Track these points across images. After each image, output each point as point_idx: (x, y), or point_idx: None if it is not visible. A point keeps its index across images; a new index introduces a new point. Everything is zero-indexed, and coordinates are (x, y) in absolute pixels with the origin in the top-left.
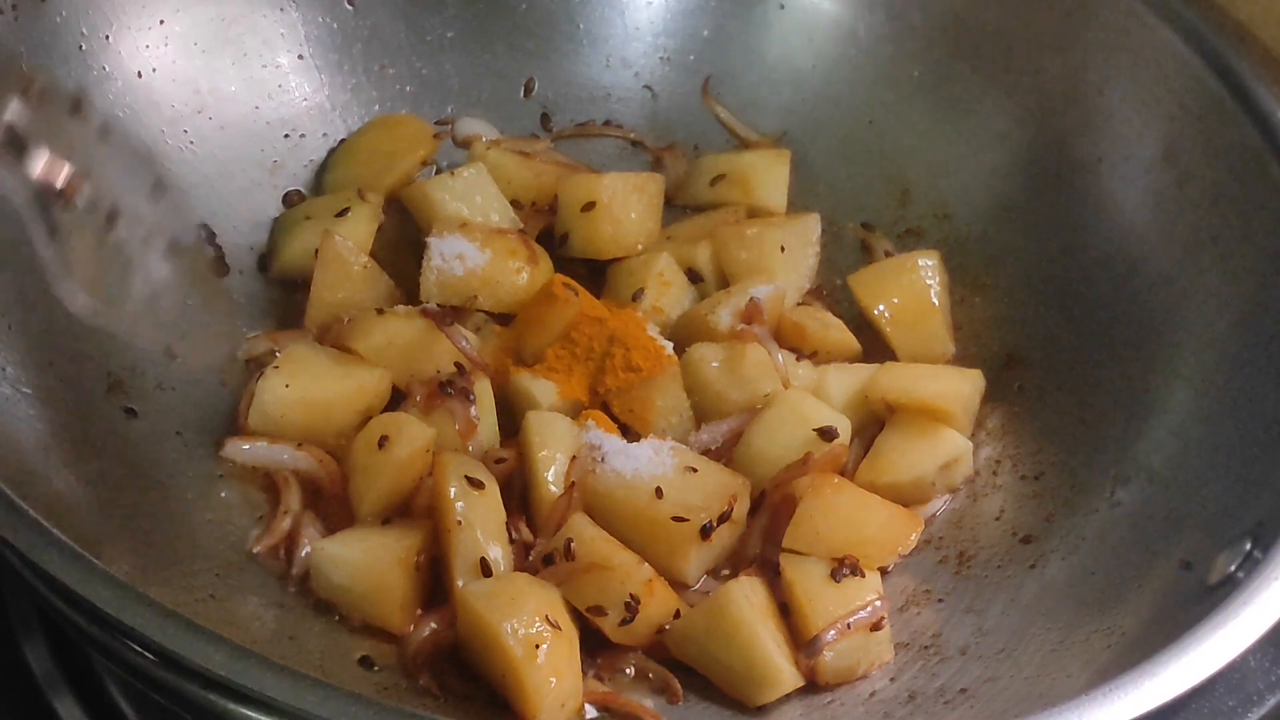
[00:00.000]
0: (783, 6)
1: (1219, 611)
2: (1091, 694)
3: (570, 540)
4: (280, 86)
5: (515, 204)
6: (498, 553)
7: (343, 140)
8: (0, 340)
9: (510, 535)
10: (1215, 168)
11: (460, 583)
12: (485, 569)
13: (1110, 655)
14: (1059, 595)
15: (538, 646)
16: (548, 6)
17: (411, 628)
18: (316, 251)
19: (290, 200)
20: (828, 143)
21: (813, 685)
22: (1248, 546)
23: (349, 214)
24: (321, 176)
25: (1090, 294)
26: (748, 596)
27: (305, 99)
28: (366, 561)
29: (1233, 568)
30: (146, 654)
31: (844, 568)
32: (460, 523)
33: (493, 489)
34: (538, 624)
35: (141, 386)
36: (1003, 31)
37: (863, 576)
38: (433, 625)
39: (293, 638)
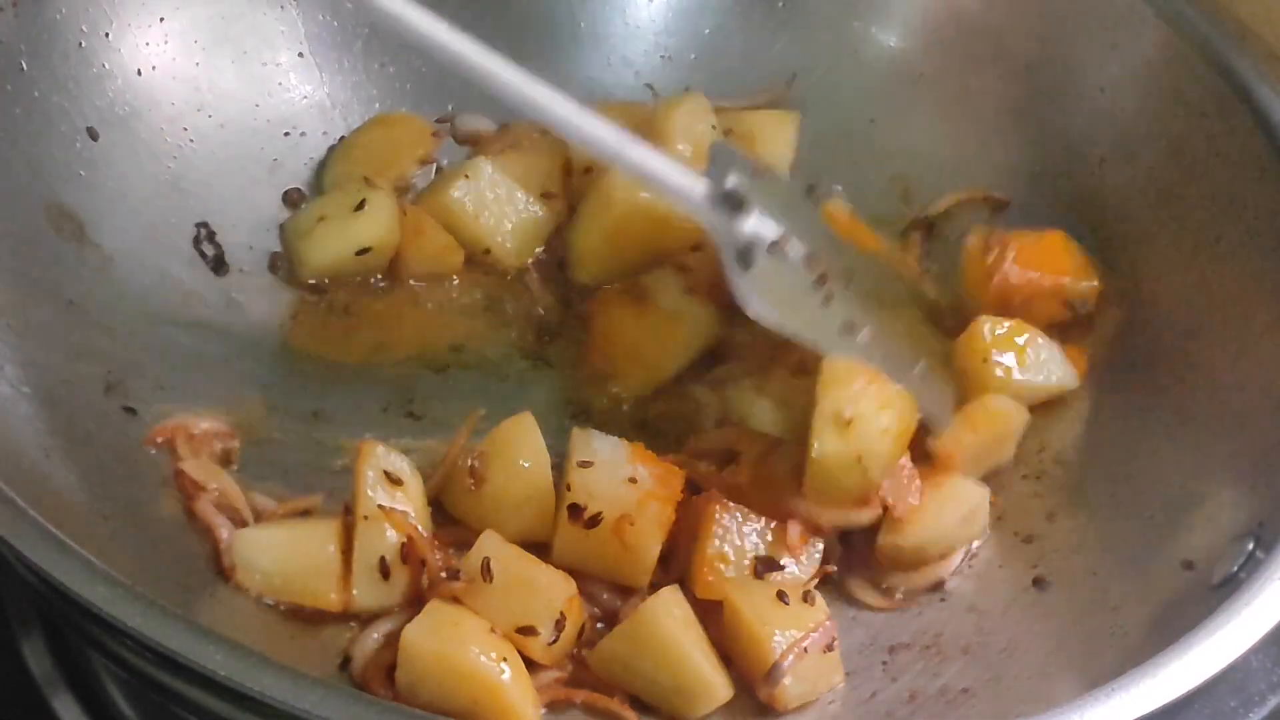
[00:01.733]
0: (783, 4)
1: (1221, 611)
2: (1093, 694)
3: (487, 558)
4: (280, 84)
5: (547, 196)
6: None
7: (342, 138)
8: (0, 340)
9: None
10: (1218, 167)
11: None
12: (384, 569)
13: (1112, 655)
14: (1061, 595)
15: (504, 660)
16: (548, 5)
17: (351, 642)
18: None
19: (291, 199)
20: (829, 141)
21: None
22: (1250, 546)
23: (366, 207)
24: (320, 175)
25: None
26: (671, 611)
27: (305, 97)
28: (294, 539)
29: (1235, 568)
30: (146, 654)
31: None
32: (368, 518)
33: (415, 487)
34: (492, 640)
35: (141, 386)
36: (1005, 30)
37: (810, 601)
38: (375, 636)
39: (293, 637)
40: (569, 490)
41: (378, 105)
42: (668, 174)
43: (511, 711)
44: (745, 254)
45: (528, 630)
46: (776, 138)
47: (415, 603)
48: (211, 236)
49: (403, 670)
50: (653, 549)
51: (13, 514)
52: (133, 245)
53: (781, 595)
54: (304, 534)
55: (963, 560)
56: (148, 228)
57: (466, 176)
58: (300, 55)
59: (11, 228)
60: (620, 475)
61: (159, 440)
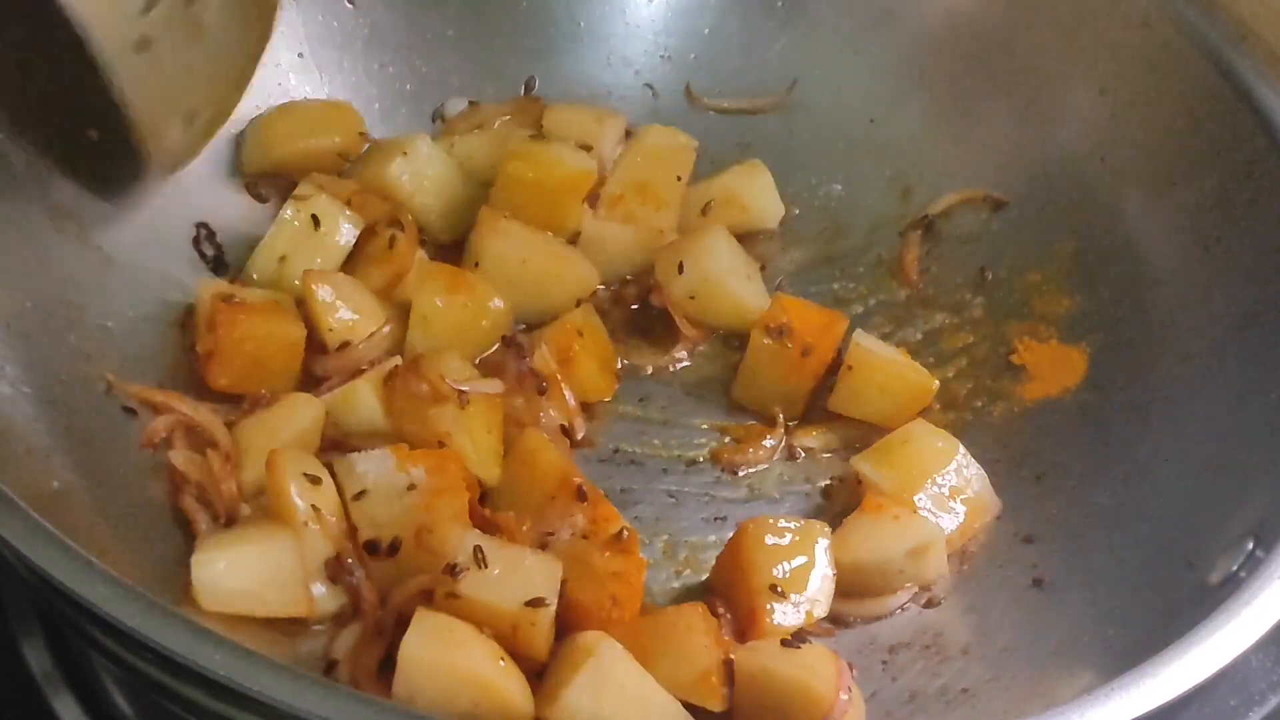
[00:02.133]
0: (783, 4)
1: (1221, 611)
2: (1092, 694)
3: (477, 546)
4: (280, 85)
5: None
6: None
7: (251, 121)
8: (0, 340)
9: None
10: (1218, 167)
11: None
12: (331, 573)
13: (1112, 655)
14: (1060, 595)
15: (501, 660)
16: (548, 4)
17: (332, 644)
18: None
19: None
20: (829, 141)
21: None
22: (1250, 546)
23: (320, 227)
24: (238, 151)
25: (1091, 293)
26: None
27: (305, 98)
28: (256, 554)
29: (1235, 567)
30: (146, 654)
31: (794, 638)
32: (306, 524)
33: (329, 483)
34: (485, 643)
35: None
36: (1004, 30)
37: (808, 641)
38: (350, 638)
39: (295, 637)
40: (357, 529)
41: (377, 105)
42: None
43: (510, 709)
44: None
45: (537, 602)
46: (758, 189)
47: (381, 601)
48: (211, 236)
49: (401, 682)
50: (461, 542)
51: (13, 514)
52: (133, 245)
53: (786, 643)
54: (264, 548)
55: (910, 599)
56: (148, 228)
57: (404, 154)
58: (300, 55)
59: (12, 228)
60: (397, 488)
61: (161, 436)
